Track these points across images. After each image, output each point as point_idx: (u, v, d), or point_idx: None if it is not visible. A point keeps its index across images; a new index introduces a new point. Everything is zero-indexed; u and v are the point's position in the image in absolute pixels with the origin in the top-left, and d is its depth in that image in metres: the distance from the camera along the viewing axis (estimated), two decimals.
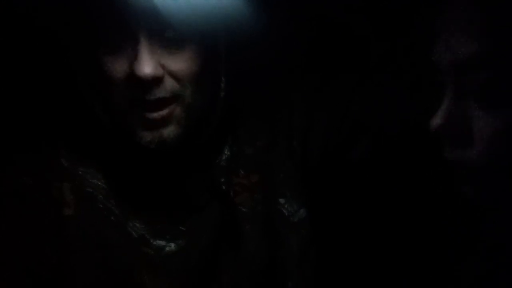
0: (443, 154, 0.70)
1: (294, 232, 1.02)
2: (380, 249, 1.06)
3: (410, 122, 0.94)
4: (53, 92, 1.01)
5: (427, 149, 0.79)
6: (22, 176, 0.96)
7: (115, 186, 0.98)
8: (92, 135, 0.98)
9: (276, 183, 1.03)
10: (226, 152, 1.03)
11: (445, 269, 0.86)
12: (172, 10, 0.89)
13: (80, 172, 0.98)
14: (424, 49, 0.72)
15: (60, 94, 0.99)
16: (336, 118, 1.03)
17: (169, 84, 0.92)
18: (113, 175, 0.99)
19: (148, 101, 0.91)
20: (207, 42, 0.94)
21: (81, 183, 0.97)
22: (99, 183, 0.98)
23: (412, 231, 1.01)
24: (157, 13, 0.88)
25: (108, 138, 0.97)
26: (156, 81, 0.90)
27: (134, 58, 0.89)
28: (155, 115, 0.92)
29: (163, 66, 0.91)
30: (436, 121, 0.68)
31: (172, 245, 0.99)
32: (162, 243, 0.98)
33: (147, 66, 0.88)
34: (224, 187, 1.01)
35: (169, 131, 0.93)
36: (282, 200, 1.03)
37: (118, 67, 0.90)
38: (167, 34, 0.90)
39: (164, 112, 0.92)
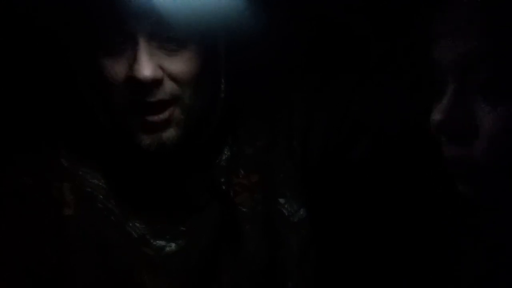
0: (442, 152, 0.69)
1: (294, 232, 1.02)
2: (380, 249, 1.06)
3: (410, 122, 0.94)
4: (53, 93, 1.01)
5: (427, 149, 0.79)
6: (22, 176, 0.96)
7: (115, 186, 0.99)
8: (92, 136, 0.98)
9: (276, 183, 1.03)
10: (226, 152, 1.03)
11: (445, 269, 0.86)
12: (171, 11, 0.89)
13: (80, 172, 0.98)
14: (424, 49, 0.72)
15: (60, 95, 0.99)
16: (336, 118, 1.03)
17: (169, 86, 0.92)
18: (113, 175, 0.99)
19: (148, 103, 0.91)
20: (206, 42, 0.94)
21: (81, 183, 0.97)
22: (99, 183, 0.98)
23: (412, 231, 1.01)
24: (156, 14, 0.88)
25: (108, 139, 0.97)
26: (155, 83, 0.90)
27: (133, 60, 0.89)
28: (156, 118, 0.92)
29: (162, 68, 0.90)
30: (436, 116, 0.67)
31: (172, 245, 0.99)
32: (162, 243, 0.98)
33: (146, 69, 0.88)
34: (224, 187, 1.01)
35: (168, 134, 0.93)
36: (282, 200, 1.03)
37: (118, 69, 0.90)
38: (166, 36, 0.90)
39: (164, 115, 0.92)
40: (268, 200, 1.03)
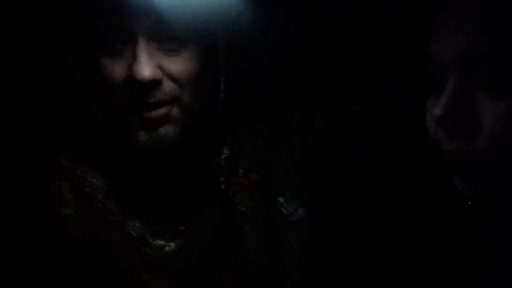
0: (442, 148, 0.69)
1: (294, 231, 1.02)
2: (380, 249, 1.06)
3: (410, 122, 0.94)
4: (53, 92, 1.01)
5: (427, 149, 0.79)
6: (22, 176, 0.96)
7: (114, 185, 0.98)
8: (91, 135, 0.98)
9: (276, 183, 1.03)
10: (225, 152, 1.03)
11: (445, 269, 0.86)
12: (171, 11, 0.89)
13: (79, 172, 0.98)
14: (424, 49, 0.72)
15: (60, 94, 0.99)
16: (336, 118, 1.03)
17: (168, 86, 0.92)
18: (113, 175, 0.99)
19: (147, 103, 0.91)
20: (206, 42, 0.94)
21: (81, 183, 0.97)
22: (99, 183, 0.98)
23: (412, 231, 1.01)
24: (155, 14, 0.88)
25: (107, 138, 0.97)
26: (155, 84, 0.90)
27: (133, 60, 0.89)
28: (153, 113, 0.92)
29: (162, 68, 0.90)
30: (436, 111, 0.67)
31: (172, 244, 0.99)
32: (161, 243, 0.98)
33: (146, 69, 0.88)
34: (223, 187, 1.01)
35: (166, 130, 0.93)
36: (281, 199, 1.03)
37: (117, 69, 0.90)
38: (166, 36, 0.90)
39: (161, 111, 0.92)
40: (267, 199, 1.03)
